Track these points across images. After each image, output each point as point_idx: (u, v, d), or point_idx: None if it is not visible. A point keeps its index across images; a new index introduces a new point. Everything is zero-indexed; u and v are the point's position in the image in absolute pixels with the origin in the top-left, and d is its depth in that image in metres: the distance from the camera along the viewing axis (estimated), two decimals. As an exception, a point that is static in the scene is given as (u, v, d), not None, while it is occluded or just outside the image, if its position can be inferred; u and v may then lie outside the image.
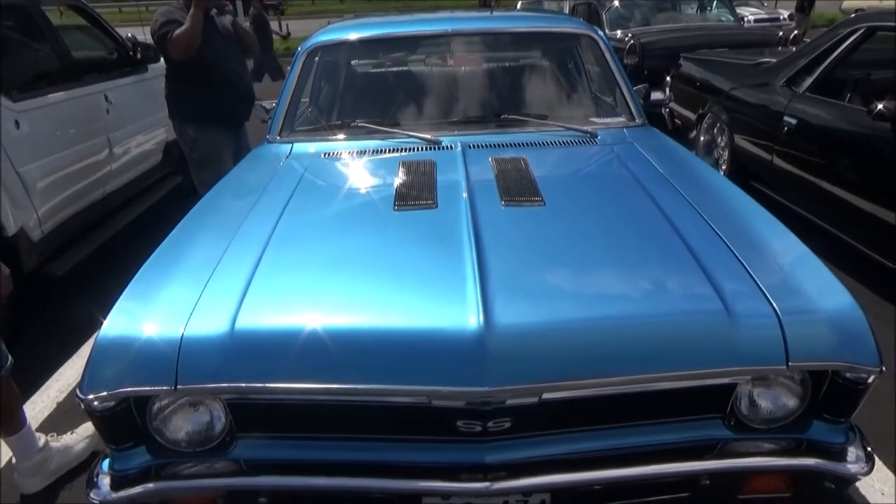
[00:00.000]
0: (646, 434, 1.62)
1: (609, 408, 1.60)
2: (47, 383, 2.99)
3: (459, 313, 1.53)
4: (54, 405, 2.84)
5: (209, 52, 3.66)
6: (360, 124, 2.88)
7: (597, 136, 2.73)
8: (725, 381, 1.58)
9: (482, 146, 2.62)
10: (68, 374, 3.02)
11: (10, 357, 2.18)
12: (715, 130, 5.26)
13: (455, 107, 3.00)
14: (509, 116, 2.89)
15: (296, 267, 1.84)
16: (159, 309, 1.64)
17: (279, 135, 2.90)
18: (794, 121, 3.98)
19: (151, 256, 1.90)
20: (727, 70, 5.26)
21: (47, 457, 2.35)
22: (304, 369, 1.52)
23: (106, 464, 1.64)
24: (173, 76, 3.89)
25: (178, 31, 3.54)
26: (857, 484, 2.15)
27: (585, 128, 2.78)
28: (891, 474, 2.23)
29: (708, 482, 1.61)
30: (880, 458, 2.18)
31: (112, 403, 1.53)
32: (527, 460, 1.57)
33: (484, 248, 1.78)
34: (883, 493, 2.16)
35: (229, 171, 2.72)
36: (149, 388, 1.53)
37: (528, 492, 1.57)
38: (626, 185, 2.30)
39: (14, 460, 2.33)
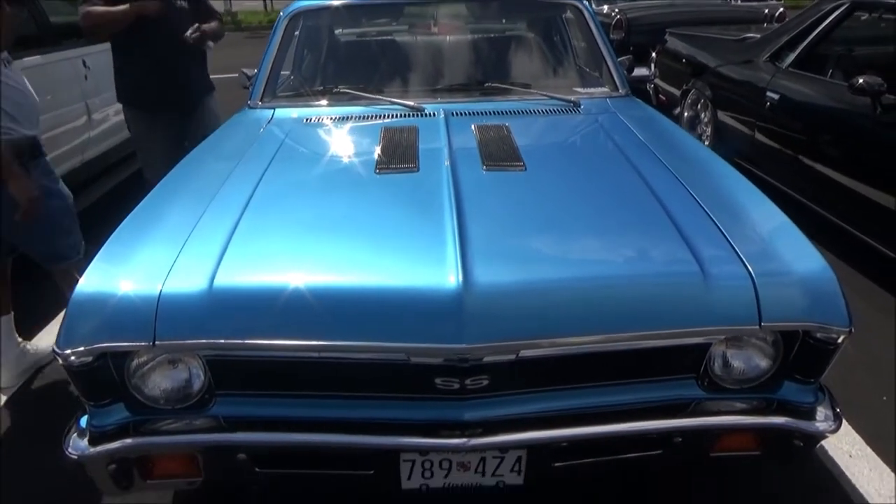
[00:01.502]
0: (621, 393, 1.65)
1: (585, 367, 1.62)
2: (25, 349, 2.98)
3: (438, 272, 1.54)
4: (32, 370, 2.83)
5: (152, 36, 3.25)
6: (342, 90, 2.86)
7: (580, 106, 2.74)
8: (699, 340, 1.60)
9: (465, 114, 2.62)
10: (47, 341, 3.00)
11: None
12: (699, 106, 5.28)
13: (439, 75, 2.98)
14: (493, 84, 2.89)
15: (276, 228, 1.83)
16: (137, 266, 1.63)
17: (260, 100, 2.88)
18: (776, 96, 4.00)
19: (128, 217, 1.88)
20: (712, 46, 5.27)
21: (23, 352, 2.78)
22: (283, 327, 1.52)
23: (84, 420, 1.64)
24: (114, 50, 3.48)
25: (95, 10, 3.11)
26: (826, 446, 2.22)
27: (569, 97, 2.78)
28: (858, 437, 2.29)
29: (680, 440, 1.65)
30: (848, 422, 2.25)
31: (90, 359, 1.52)
32: (504, 418, 1.59)
33: (464, 210, 1.78)
34: (851, 455, 2.22)
35: (207, 138, 2.68)
36: (126, 344, 1.52)
37: (504, 448, 1.60)
38: (607, 152, 2.31)
39: None
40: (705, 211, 1.85)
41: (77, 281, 1.59)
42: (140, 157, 3.74)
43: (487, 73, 3.05)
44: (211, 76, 3.75)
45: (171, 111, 3.48)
